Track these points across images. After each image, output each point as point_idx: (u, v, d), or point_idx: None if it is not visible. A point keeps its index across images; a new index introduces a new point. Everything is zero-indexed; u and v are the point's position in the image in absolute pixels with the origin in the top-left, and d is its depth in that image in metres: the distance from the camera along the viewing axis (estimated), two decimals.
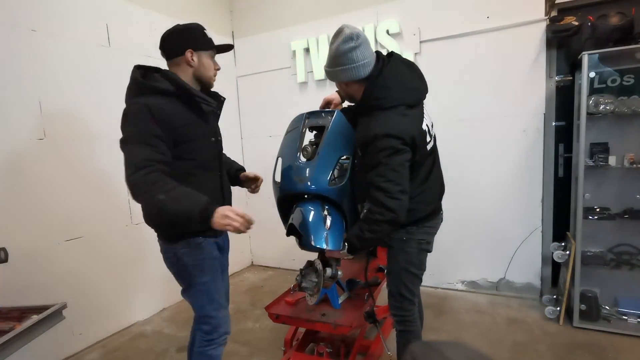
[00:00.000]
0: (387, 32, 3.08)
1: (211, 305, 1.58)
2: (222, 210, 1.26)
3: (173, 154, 1.39)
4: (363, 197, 1.80)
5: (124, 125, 1.36)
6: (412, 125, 1.47)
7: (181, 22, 1.52)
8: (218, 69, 1.57)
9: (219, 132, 1.65)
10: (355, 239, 1.50)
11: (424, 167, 1.58)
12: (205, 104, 1.48)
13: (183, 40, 1.45)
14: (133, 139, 1.31)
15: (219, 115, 1.65)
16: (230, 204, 1.65)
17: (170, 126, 1.36)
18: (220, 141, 1.64)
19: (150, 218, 1.53)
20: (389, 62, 1.51)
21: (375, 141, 1.39)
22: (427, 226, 1.63)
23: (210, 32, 1.56)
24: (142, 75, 1.43)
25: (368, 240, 1.49)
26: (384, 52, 1.58)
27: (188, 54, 1.44)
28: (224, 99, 1.65)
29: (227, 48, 1.60)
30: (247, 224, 1.28)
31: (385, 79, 1.46)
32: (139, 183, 1.26)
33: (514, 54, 2.77)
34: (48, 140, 2.31)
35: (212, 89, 1.61)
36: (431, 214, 1.64)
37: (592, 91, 2.44)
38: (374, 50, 1.53)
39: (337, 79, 1.54)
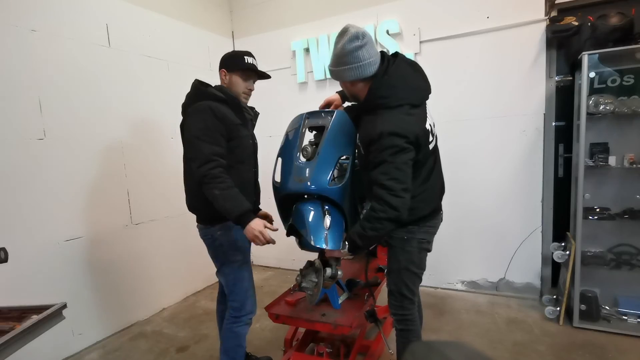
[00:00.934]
0: (387, 32, 3.08)
1: (240, 284, 1.81)
2: (257, 227, 1.58)
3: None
4: (363, 196, 1.80)
5: (192, 122, 1.66)
6: (416, 124, 1.48)
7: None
8: (251, 90, 1.86)
9: (255, 136, 1.94)
10: (357, 237, 1.51)
11: (426, 166, 1.58)
12: (246, 112, 1.83)
13: (222, 62, 1.83)
14: (201, 133, 1.62)
15: (254, 125, 1.97)
16: (259, 197, 2.00)
17: (225, 124, 1.67)
18: (256, 144, 1.94)
19: (197, 204, 1.80)
20: (394, 62, 1.52)
21: (380, 139, 1.41)
22: (428, 225, 1.64)
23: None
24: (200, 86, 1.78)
25: (370, 238, 1.49)
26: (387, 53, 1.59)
27: (221, 73, 1.81)
28: (258, 113, 1.99)
29: (263, 75, 1.89)
30: (267, 243, 1.63)
31: (391, 78, 1.48)
32: (205, 174, 1.58)
33: (514, 54, 2.77)
34: (48, 140, 2.31)
35: (249, 105, 1.93)
36: (432, 214, 1.64)
37: (592, 91, 2.44)
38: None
39: (342, 78, 1.54)
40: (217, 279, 1.94)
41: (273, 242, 1.63)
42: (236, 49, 1.92)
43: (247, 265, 1.85)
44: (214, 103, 1.68)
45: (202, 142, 1.61)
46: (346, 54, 1.45)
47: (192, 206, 1.86)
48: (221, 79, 1.82)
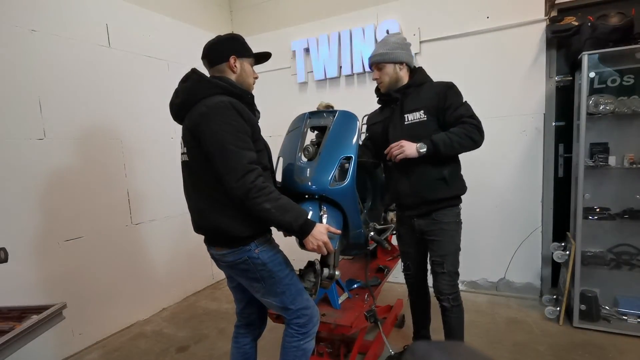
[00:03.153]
0: (387, 32, 3.07)
1: (302, 296, 1.55)
2: (321, 236, 1.39)
3: None
4: (364, 196, 1.79)
5: (216, 126, 1.32)
6: None
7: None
8: (256, 78, 1.60)
9: None
10: (441, 143, 1.65)
11: None
12: (256, 109, 1.55)
13: (227, 47, 1.49)
14: (233, 139, 1.31)
15: None
16: None
17: (249, 124, 1.38)
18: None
19: (225, 223, 1.40)
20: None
21: (453, 87, 1.75)
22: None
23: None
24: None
25: (450, 149, 1.67)
26: None
27: (232, 59, 1.48)
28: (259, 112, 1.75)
29: (265, 57, 1.64)
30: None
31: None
32: (250, 188, 1.28)
33: (514, 54, 2.77)
34: (48, 140, 2.31)
35: None
36: None
37: (592, 91, 2.44)
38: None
39: (400, 59, 1.77)
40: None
41: (333, 250, 1.48)
42: (230, 34, 1.62)
43: (294, 272, 1.57)
44: (230, 98, 1.38)
45: (238, 150, 1.30)
46: (406, 44, 1.79)
47: (215, 227, 1.43)
48: (230, 67, 1.48)
